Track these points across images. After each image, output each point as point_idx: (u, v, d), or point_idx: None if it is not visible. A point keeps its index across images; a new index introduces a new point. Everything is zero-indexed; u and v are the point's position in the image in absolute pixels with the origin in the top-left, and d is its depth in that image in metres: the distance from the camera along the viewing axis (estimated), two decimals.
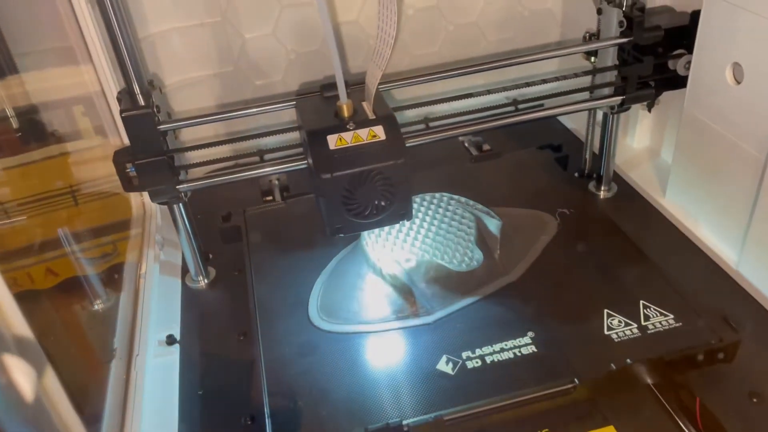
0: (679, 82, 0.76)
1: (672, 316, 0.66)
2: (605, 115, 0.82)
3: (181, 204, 0.73)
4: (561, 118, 1.05)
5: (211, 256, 0.82)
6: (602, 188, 0.87)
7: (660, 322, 0.65)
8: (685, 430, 0.58)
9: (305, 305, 0.72)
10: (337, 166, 0.61)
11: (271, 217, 0.88)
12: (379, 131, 0.62)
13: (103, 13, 0.62)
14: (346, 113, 0.64)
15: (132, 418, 0.59)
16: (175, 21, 0.90)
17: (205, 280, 0.79)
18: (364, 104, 0.66)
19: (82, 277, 0.97)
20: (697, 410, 0.59)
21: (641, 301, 0.68)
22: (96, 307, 0.91)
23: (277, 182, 0.95)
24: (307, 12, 0.93)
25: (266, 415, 0.60)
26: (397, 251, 0.77)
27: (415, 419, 0.58)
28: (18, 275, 0.99)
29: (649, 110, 0.82)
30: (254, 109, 0.72)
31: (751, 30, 0.63)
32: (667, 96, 0.79)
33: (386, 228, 0.78)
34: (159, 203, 0.71)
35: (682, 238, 0.77)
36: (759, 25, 0.62)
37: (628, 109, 0.78)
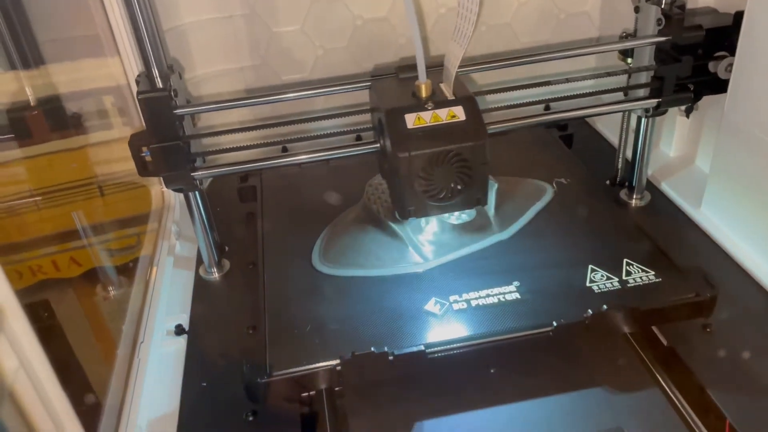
0: (719, 85, 0.72)
1: (653, 273, 0.67)
2: (639, 119, 0.78)
3: (197, 193, 0.72)
4: (595, 125, 1.02)
5: (227, 248, 0.81)
6: (634, 197, 0.83)
7: (641, 278, 0.67)
8: (659, 378, 0.59)
9: (309, 252, 0.75)
10: (416, 145, 0.59)
11: (286, 179, 0.91)
12: (459, 112, 0.61)
13: None
14: (424, 93, 0.62)
15: (131, 402, 0.58)
16: (205, 12, 0.90)
17: (219, 272, 0.77)
18: (442, 85, 0.64)
19: (103, 268, 0.97)
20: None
21: (625, 259, 0.69)
22: (111, 294, 0.91)
23: None
24: (335, 7, 0.92)
25: (265, 344, 0.63)
26: None
27: (399, 350, 0.60)
28: (43, 263, 1.00)
29: (687, 115, 0.78)
30: (294, 94, 0.70)
31: None
32: (703, 100, 0.75)
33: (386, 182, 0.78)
34: (174, 190, 0.70)
35: (718, 251, 0.73)
36: None
37: (664, 112, 0.75)
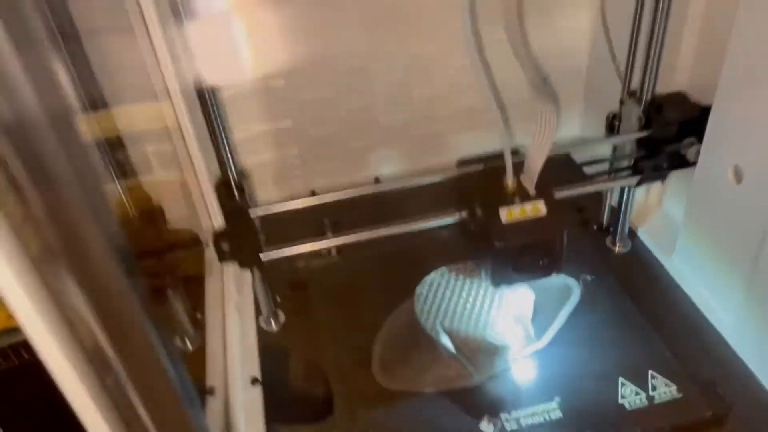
0: (687, 162, 0.86)
1: (675, 387, 0.73)
2: None
3: None
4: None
5: (278, 299, 0.93)
6: (617, 244, 0.98)
7: (665, 392, 0.72)
8: None
9: (368, 360, 0.80)
10: (509, 236, 0.71)
11: (330, 270, 0.96)
12: (541, 205, 0.72)
13: (204, 110, 0.74)
14: (510, 187, 0.74)
15: None
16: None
17: (277, 324, 0.90)
18: (524, 178, 0.75)
19: None
20: None
21: (650, 371, 0.75)
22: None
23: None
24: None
25: None
26: (446, 321, 0.84)
27: None
28: None
29: (662, 182, 0.93)
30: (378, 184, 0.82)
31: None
32: None
33: (436, 300, 0.87)
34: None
35: (686, 299, 0.86)
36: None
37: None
